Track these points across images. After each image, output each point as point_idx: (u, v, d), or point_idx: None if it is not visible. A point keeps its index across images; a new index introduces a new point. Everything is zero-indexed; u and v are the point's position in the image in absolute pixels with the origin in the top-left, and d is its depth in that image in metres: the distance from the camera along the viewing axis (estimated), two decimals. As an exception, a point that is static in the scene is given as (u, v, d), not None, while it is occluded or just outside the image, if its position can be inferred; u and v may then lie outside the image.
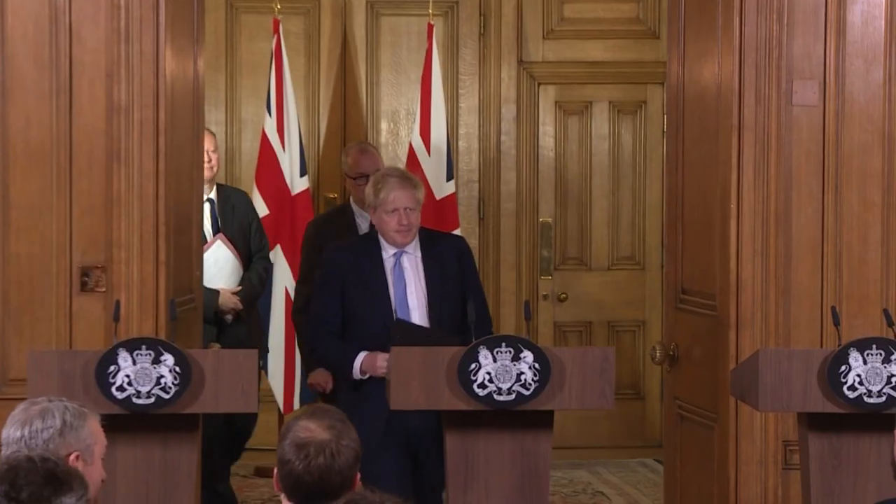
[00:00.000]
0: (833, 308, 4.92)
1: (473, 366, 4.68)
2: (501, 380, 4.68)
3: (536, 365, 4.69)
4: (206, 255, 6.73)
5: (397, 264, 5.56)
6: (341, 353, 5.52)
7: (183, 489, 4.60)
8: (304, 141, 8.21)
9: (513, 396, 4.69)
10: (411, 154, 8.03)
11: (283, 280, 7.83)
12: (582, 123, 9.03)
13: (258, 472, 8.26)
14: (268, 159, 7.97)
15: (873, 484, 4.69)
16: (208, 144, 6.81)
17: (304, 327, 6.19)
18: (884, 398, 4.60)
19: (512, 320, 8.69)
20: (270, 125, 7.99)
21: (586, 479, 8.54)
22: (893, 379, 4.59)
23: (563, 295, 8.99)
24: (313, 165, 8.70)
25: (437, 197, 7.83)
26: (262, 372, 7.60)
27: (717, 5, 5.50)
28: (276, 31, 8.09)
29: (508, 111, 8.94)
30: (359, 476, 3.52)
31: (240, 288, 7.05)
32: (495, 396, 4.69)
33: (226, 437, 6.91)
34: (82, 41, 5.21)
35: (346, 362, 5.47)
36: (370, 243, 5.61)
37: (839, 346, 4.65)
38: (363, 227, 6.60)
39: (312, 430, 3.50)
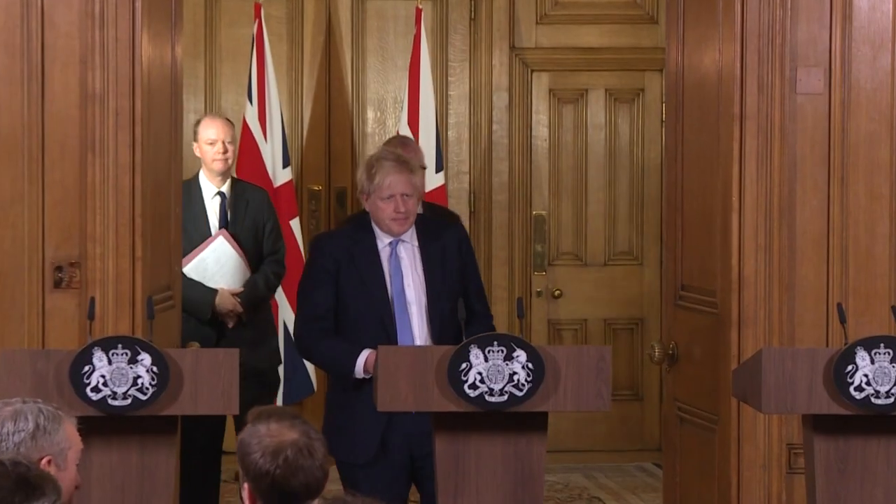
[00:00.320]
0: (839, 305, 4.87)
1: (464, 365, 4.60)
2: (493, 380, 4.61)
3: (530, 365, 4.62)
4: (206, 252, 6.66)
5: (393, 254, 5.33)
6: (342, 351, 5.25)
7: (160, 495, 4.58)
8: (286, 131, 8.22)
9: (505, 397, 4.62)
10: (399, 144, 8.01)
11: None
12: (577, 112, 8.99)
13: (239, 477, 8.11)
14: (249, 150, 7.97)
15: (881, 489, 4.67)
16: (224, 135, 6.82)
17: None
18: (892, 399, 4.56)
19: (504, 318, 8.62)
20: (252, 114, 8.01)
21: (582, 484, 8.54)
22: (903, 379, 4.59)
23: (558, 291, 8.96)
24: (296, 156, 8.66)
25: (427, 189, 7.72)
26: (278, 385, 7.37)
27: (718, -11, 5.54)
28: (258, 15, 8.15)
29: (500, 99, 8.90)
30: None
31: (242, 289, 6.78)
32: (487, 397, 4.62)
33: (208, 448, 6.68)
34: (55, 25, 5.18)
35: (348, 361, 5.21)
36: (363, 231, 5.36)
37: (845, 344, 4.61)
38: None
39: (278, 432, 3.43)
